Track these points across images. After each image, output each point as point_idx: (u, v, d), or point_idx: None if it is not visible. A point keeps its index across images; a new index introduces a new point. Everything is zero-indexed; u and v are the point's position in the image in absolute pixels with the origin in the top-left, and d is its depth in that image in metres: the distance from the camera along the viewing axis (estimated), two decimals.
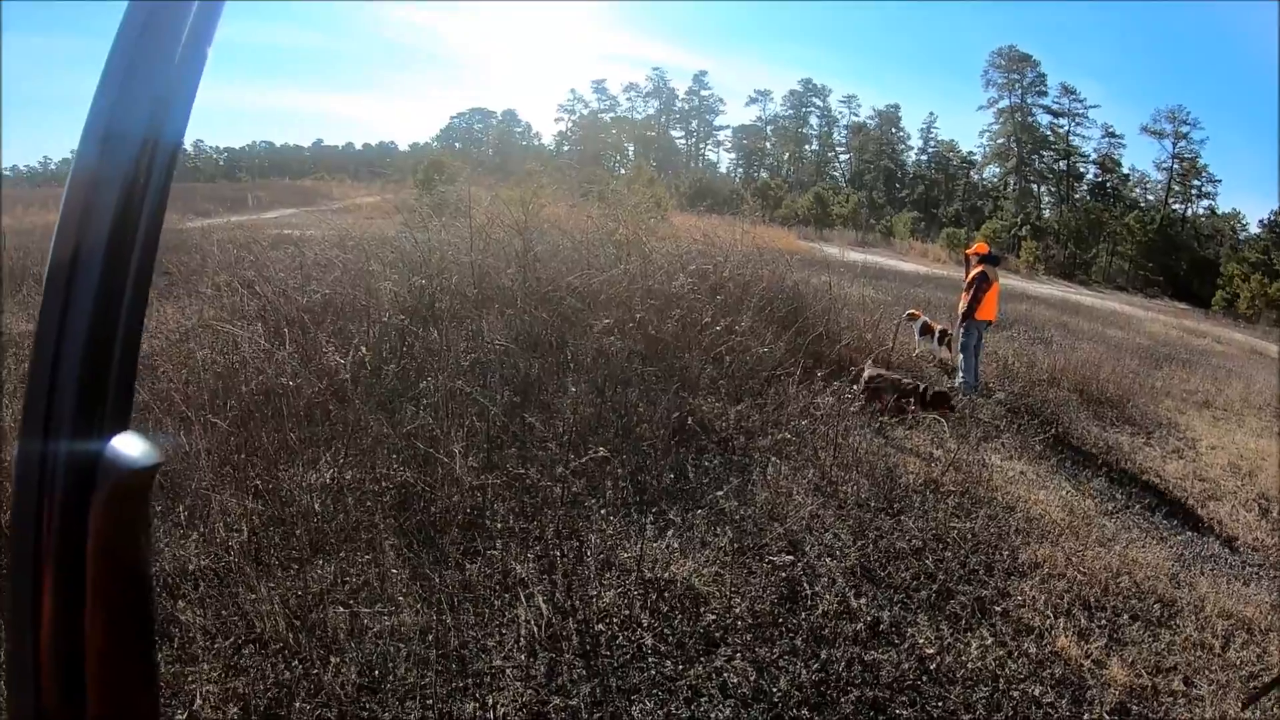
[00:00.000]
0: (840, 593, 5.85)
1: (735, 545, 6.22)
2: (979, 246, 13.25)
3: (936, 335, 14.37)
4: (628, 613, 5.25)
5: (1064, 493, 8.84)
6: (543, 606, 5.04)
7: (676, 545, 6.12)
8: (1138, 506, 8.95)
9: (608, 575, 5.62)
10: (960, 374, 12.71)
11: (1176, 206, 64.12)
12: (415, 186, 32.30)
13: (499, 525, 5.98)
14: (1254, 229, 60.22)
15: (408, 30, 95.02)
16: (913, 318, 14.77)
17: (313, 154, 71.73)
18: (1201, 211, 63.89)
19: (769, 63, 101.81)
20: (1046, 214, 65.32)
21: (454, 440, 6.54)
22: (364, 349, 7.02)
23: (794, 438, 8.16)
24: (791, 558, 6.18)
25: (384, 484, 6.24)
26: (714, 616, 5.35)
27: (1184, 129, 62.38)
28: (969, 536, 7.07)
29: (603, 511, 6.43)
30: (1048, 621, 5.96)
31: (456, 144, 72.79)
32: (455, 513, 6.02)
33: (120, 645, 0.97)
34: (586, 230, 12.29)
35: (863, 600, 5.82)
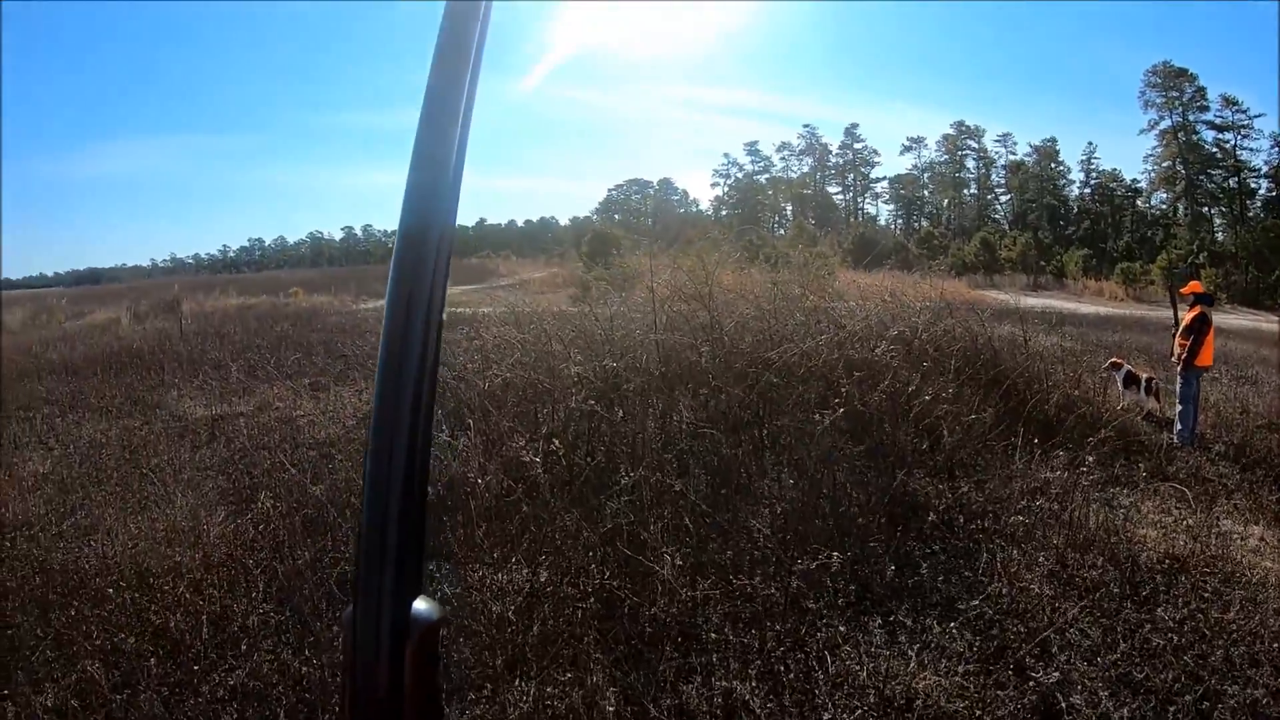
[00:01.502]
0: (1099, 703, 5.13)
1: (975, 650, 5.53)
2: (1194, 285, 12.34)
3: (1144, 384, 13.31)
4: None
5: None
6: None
7: (912, 654, 5.44)
8: None
9: (840, 693, 4.95)
10: (1177, 426, 11.68)
11: None
12: (581, 260, 32.38)
13: (714, 636, 5.35)
14: None
15: (561, 106, 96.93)
16: (1115, 366, 13.73)
17: (476, 233, 73.21)
18: None
19: (920, 108, 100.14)
20: (1220, 237, 62.23)
21: (658, 539, 5.98)
22: (555, 439, 6.47)
23: (1024, 519, 7.35)
24: (1042, 668, 5.43)
25: (584, 588, 5.68)
26: None
27: None
28: (1224, 622, 6.22)
29: (825, 614, 5.75)
30: None
31: (616, 215, 73.52)
32: (666, 622, 5.41)
33: None
34: (769, 297, 11.71)
35: (1124, 711, 5.09)
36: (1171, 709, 5.20)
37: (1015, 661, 5.46)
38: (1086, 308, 36.59)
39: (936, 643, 5.59)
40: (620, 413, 8.05)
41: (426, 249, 1.26)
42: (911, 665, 5.26)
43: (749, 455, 7.67)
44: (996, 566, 6.60)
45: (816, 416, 7.74)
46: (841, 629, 5.63)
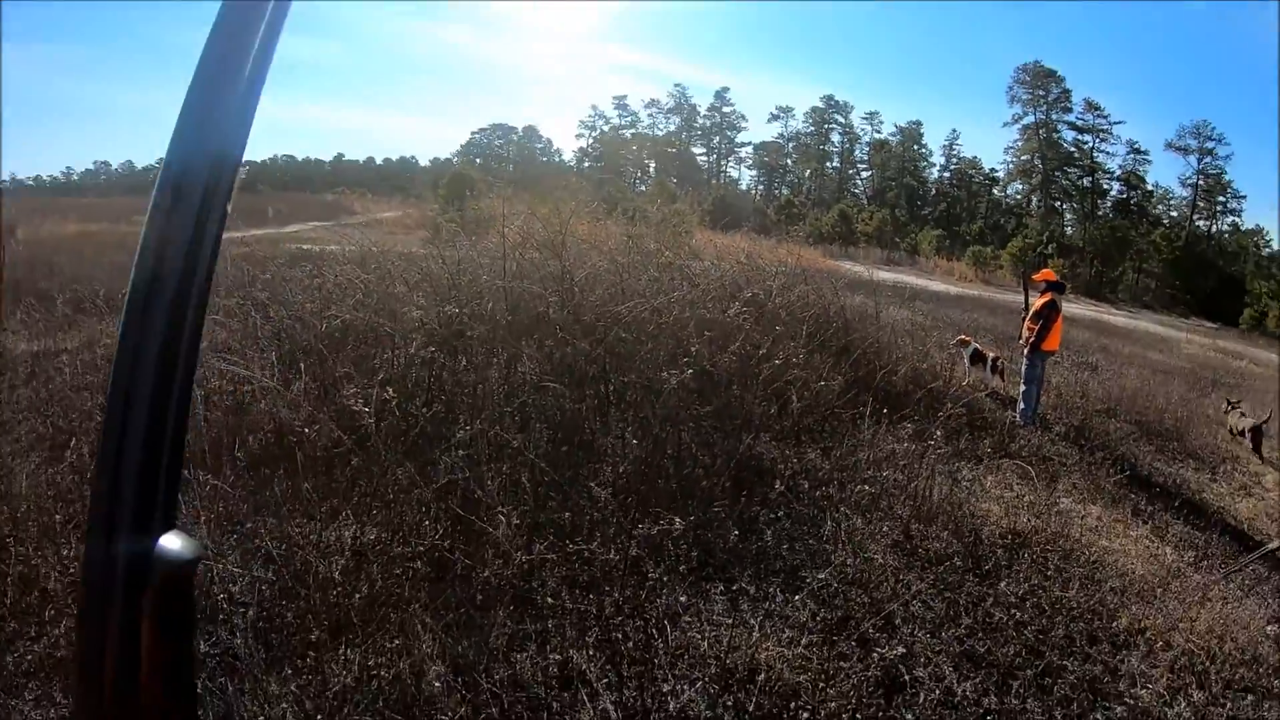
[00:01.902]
0: (942, 676, 5.12)
1: (819, 620, 5.42)
2: (1046, 273, 12.57)
3: (990, 363, 13.57)
4: (710, 715, 4.40)
5: (1146, 542, 8.31)
6: (611, 710, 4.20)
7: (755, 623, 5.27)
8: (1219, 555, 8.44)
9: (681, 664, 4.77)
10: (1020, 406, 11.94)
11: (1200, 223, 63.72)
12: (438, 202, 31.66)
13: (550, 602, 5.07)
14: (1278, 245, 60.04)
15: (430, 44, 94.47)
16: (963, 344, 13.97)
17: (333, 168, 70.88)
18: (1225, 228, 63.51)
19: (791, 80, 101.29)
20: (1070, 231, 64.88)
21: (494, 498, 5.69)
22: (389, 389, 6.06)
23: (871, 490, 7.31)
24: (886, 640, 5.35)
25: (415, 547, 5.33)
26: (807, 714, 4.53)
27: (1209, 145, 61.94)
28: (1065, 600, 6.38)
29: (666, 580, 5.55)
30: (1162, 701, 5.46)
31: (477, 159, 72.36)
32: (500, 586, 5.12)
33: (169, 711, 1.12)
34: (624, 250, 11.46)
35: (967, 685, 5.10)
36: (1013, 683, 5.22)
37: (859, 633, 5.37)
38: (937, 285, 37.53)
39: (779, 612, 5.47)
40: (464, 361, 7.73)
41: (197, 175, 1.17)
42: (754, 635, 5.10)
43: (593, 411, 7.41)
44: (841, 535, 6.52)
45: (665, 374, 7.53)
46: (683, 597, 5.45)
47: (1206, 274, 59.68)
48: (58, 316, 11.27)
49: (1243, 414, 13.77)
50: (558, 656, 4.64)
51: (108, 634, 1.06)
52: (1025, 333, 12.17)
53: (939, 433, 8.15)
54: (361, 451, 6.01)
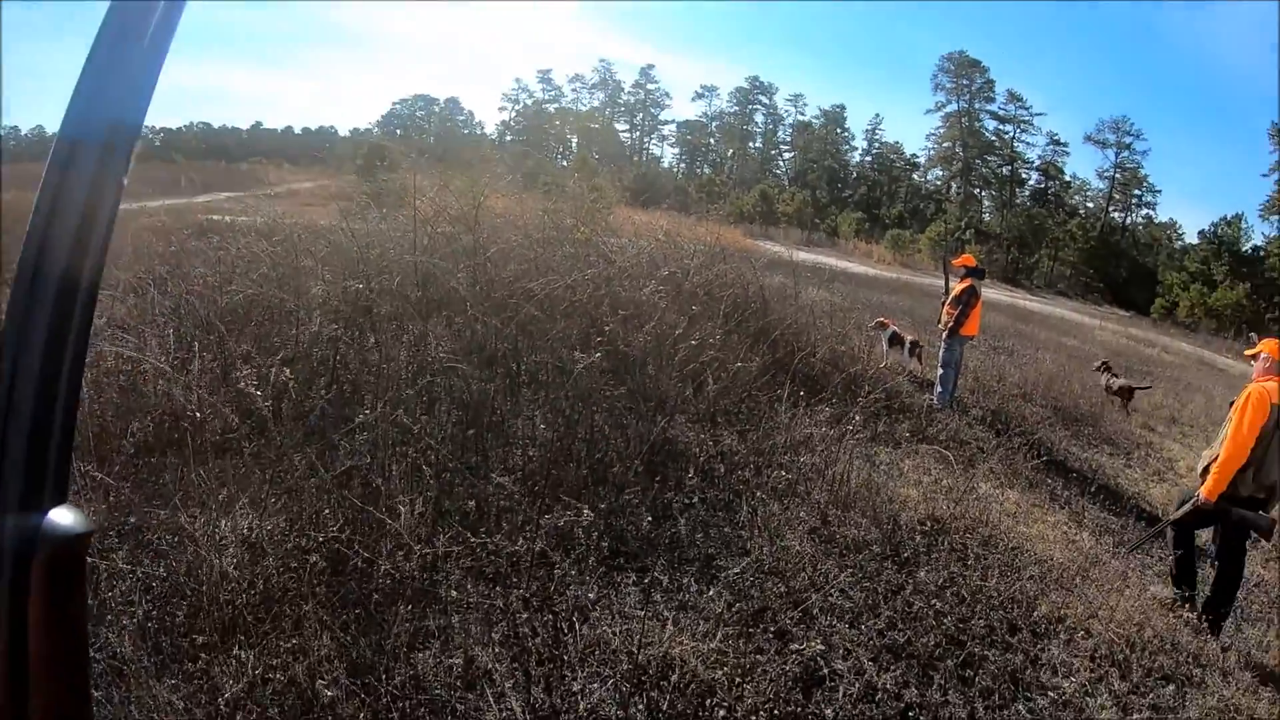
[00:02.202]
0: (862, 670, 5.01)
1: (735, 611, 5.25)
2: (966, 259, 12.60)
3: (907, 346, 13.62)
4: (622, 714, 4.23)
5: (1064, 527, 8.38)
6: (518, 712, 4.01)
7: (668, 616, 5.12)
8: (1132, 539, 8.56)
9: (592, 660, 4.57)
10: (938, 389, 11.99)
11: (1116, 215, 65.33)
12: (355, 173, 31.08)
13: (454, 595, 4.81)
14: (1190, 239, 62.11)
15: (354, 13, 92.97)
16: (881, 326, 14.01)
17: (251, 137, 69.36)
18: (1140, 220, 65.20)
19: (717, 59, 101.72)
20: (987, 218, 65.98)
21: (395, 487, 5.44)
22: (286, 370, 5.75)
23: (788, 475, 7.21)
24: (804, 632, 5.25)
25: (313, 540, 4.99)
26: (724, 712, 4.39)
27: (1127, 139, 63.61)
28: (985, 588, 6.33)
29: (576, 571, 5.36)
30: (1083, 691, 5.44)
31: (398, 131, 71.38)
32: (401, 580, 4.85)
33: (59, 693, 1.07)
34: (540, 226, 11.22)
35: (888, 678, 5.00)
36: (934, 675, 5.15)
37: (776, 625, 5.24)
38: (856, 267, 37.79)
39: (694, 603, 5.31)
40: (373, 340, 7.45)
41: (93, 141, 1.11)
42: (668, 629, 4.93)
43: (503, 392, 7.18)
44: (757, 522, 6.39)
45: (578, 354, 7.33)
46: (593, 589, 5.26)
47: (1120, 264, 61.50)
48: None
49: (1114, 375, 14.06)
50: (462, 655, 4.42)
51: None
52: (944, 317, 12.22)
53: (858, 417, 8.07)
54: (259, 437, 5.71)
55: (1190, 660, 6.22)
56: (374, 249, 8.76)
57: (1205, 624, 6.87)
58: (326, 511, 5.21)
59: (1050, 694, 5.31)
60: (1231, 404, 7.16)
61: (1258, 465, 6.82)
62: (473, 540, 5.08)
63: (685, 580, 5.55)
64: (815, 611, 5.45)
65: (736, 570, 5.70)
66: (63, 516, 1.06)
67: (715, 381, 8.47)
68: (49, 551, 1.04)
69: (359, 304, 7.68)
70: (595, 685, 4.33)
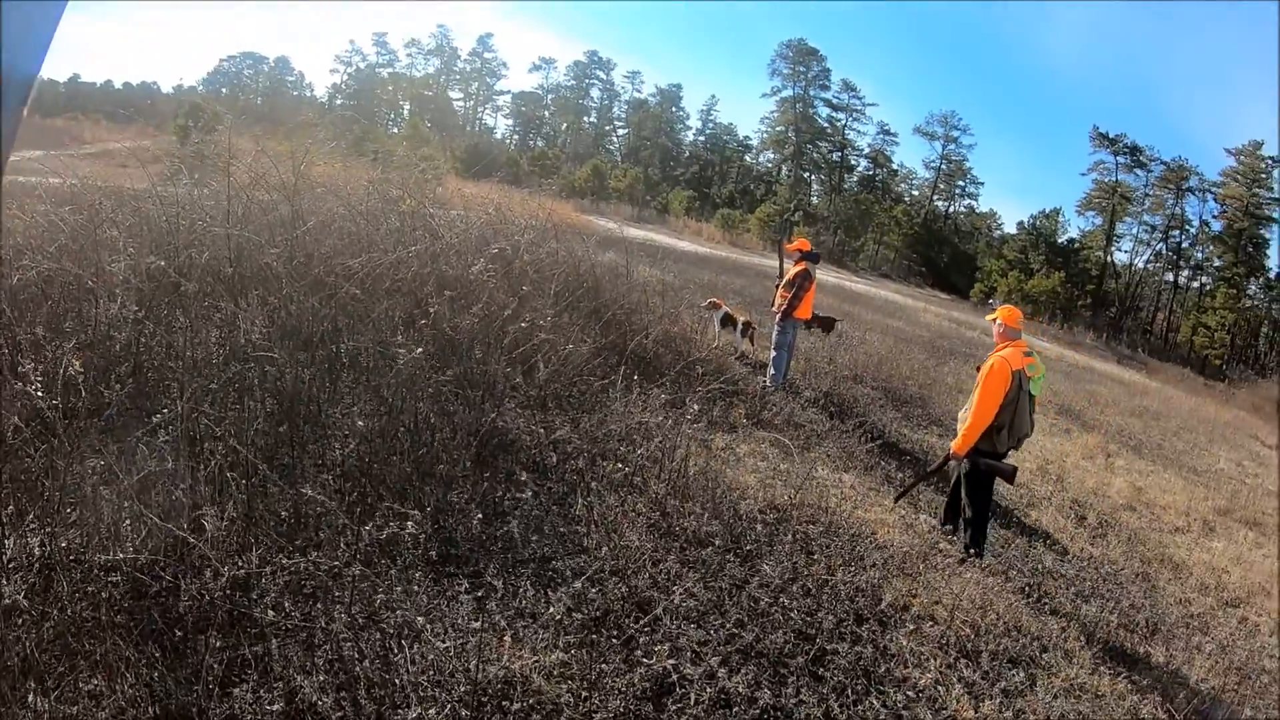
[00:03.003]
0: (713, 674, 4.86)
1: (576, 618, 5.02)
2: (800, 243, 12.73)
3: (740, 327, 13.67)
4: None
5: (901, 510, 8.67)
6: None
7: (504, 622, 4.84)
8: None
9: (426, 683, 4.20)
10: (770, 371, 12.07)
11: (940, 203, 68.07)
12: (174, 133, 29.66)
13: (271, 617, 4.34)
14: (1008, 229, 65.70)
15: None
16: (714, 307, 14.03)
17: (68, 90, 65.58)
18: (962, 210, 68.17)
19: (556, 31, 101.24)
20: (816, 201, 67.68)
21: (201, 495, 4.98)
22: (76, 363, 5.14)
23: (625, 466, 7.04)
24: (650, 636, 5.06)
25: (112, 558, 4.46)
26: None
27: (955, 133, 66.54)
28: (828, 579, 6.35)
29: (403, 579, 4.98)
30: (935, 681, 5.57)
31: (223, 90, 68.70)
32: (211, 601, 4.34)
33: None
34: (364, 197, 10.72)
35: (739, 681, 4.85)
36: (786, 674, 5.08)
37: (621, 631, 5.04)
38: (686, 245, 38.18)
39: (531, 609, 5.03)
40: (181, 319, 6.88)
41: None
42: (506, 640, 4.67)
43: (321, 378, 6.74)
44: (594, 516, 6.16)
45: (400, 338, 6.96)
46: (423, 594, 4.91)
47: (942, 250, 64.60)
48: None
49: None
50: (283, 687, 3.99)
51: None
52: (778, 300, 12.28)
53: (695, 405, 7.97)
54: (49, 438, 5.11)
55: (1033, 642, 6.50)
56: (184, 219, 8.13)
57: (971, 556, 7.89)
58: (126, 523, 4.69)
59: (904, 687, 5.35)
60: (978, 368, 8.25)
61: (1009, 425, 7.82)
62: (288, 558, 4.69)
63: (521, 585, 5.27)
64: (660, 613, 5.26)
65: (574, 571, 5.48)
66: None
67: (546, 365, 8.21)
68: None
69: (165, 281, 7.08)
70: (432, 711, 4.00)
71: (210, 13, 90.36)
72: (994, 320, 8.33)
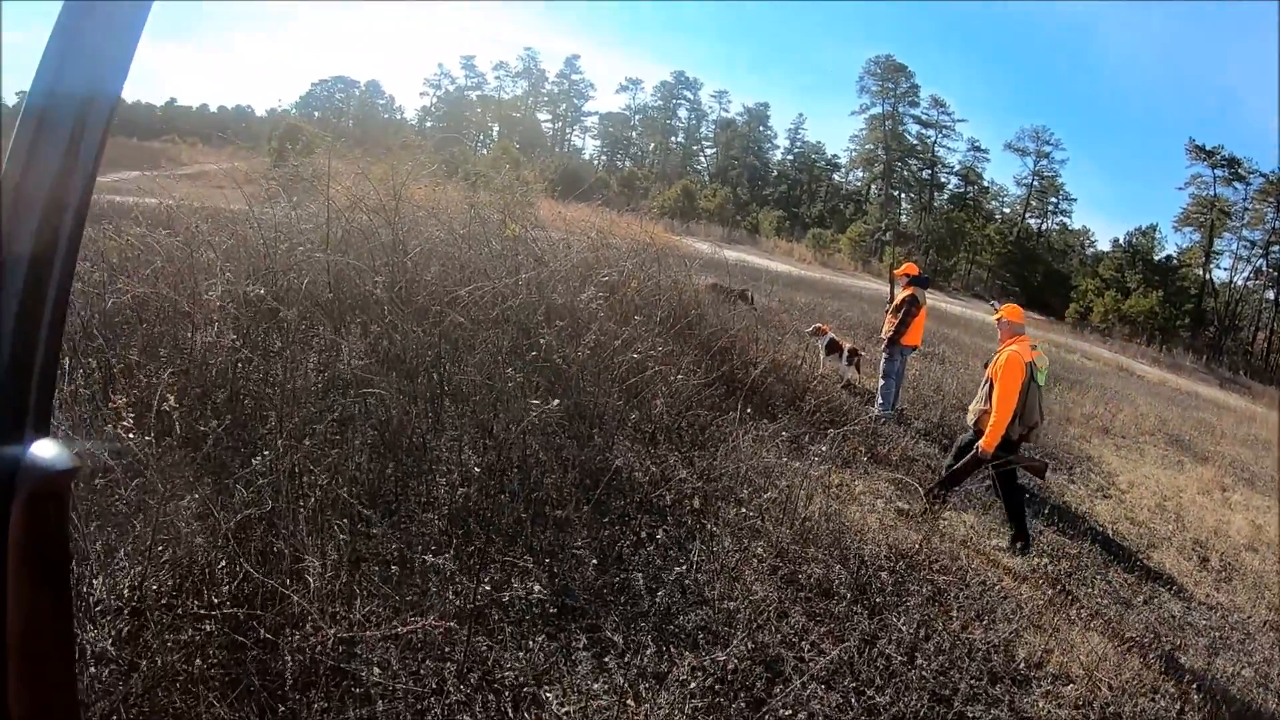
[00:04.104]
0: None
1: (700, 675, 4.59)
2: (908, 267, 12.41)
3: (845, 354, 13.15)
4: None
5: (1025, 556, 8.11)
6: None
7: (625, 683, 4.41)
8: (1090, 565, 8.43)
9: None
10: (879, 401, 11.64)
11: (1032, 221, 66.67)
12: (269, 155, 29.96)
13: (377, 675, 3.96)
14: (1102, 246, 63.85)
15: None
16: (819, 333, 13.52)
17: (165, 114, 67.38)
18: (1054, 227, 66.67)
19: (642, 52, 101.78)
20: (906, 220, 66.77)
21: (302, 540, 4.59)
22: (169, 397, 4.80)
23: (749, 511, 6.57)
24: (779, 696, 4.59)
25: (210, 601, 4.14)
26: None
27: (1046, 149, 65.03)
28: (958, 632, 5.94)
29: (518, 634, 4.59)
30: None
31: (316, 113, 69.98)
32: (314, 657, 3.97)
33: (39, 638, 1.00)
34: (463, 217, 10.43)
35: None
36: None
37: (749, 690, 4.62)
38: (779, 266, 37.84)
39: (653, 668, 4.61)
40: (278, 343, 6.60)
41: (66, 108, 1.07)
42: (629, 703, 4.26)
43: (425, 412, 6.37)
44: (715, 564, 5.77)
45: (510, 371, 6.60)
46: (537, 649, 4.50)
47: (1035, 268, 62.94)
48: None
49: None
50: None
51: None
52: (886, 326, 11.87)
53: (823, 448, 7.58)
54: (141, 472, 4.75)
55: (1174, 704, 6.08)
56: (282, 242, 7.85)
57: (1017, 550, 8.13)
58: (222, 564, 4.34)
59: None
60: (986, 364, 8.73)
61: (1020, 414, 8.21)
62: (400, 598, 4.30)
63: (642, 640, 4.85)
64: (788, 671, 4.85)
65: (696, 626, 5.08)
66: (45, 450, 1.01)
67: (659, 398, 7.82)
68: (30, 487, 0.97)
69: (263, 307, 6.78)
70: None
71: (304, 39, 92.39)
72: (999, 319, 8.74)
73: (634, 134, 75.47)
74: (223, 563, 4.34)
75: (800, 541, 6.44)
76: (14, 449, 0.99)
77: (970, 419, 8.54)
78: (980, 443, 8.22)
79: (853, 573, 6.24)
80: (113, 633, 3.81)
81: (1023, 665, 5.80)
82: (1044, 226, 67.59)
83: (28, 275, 1.02)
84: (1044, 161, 65.75)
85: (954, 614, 6.17)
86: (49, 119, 1.06)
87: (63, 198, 1.06)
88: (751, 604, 5.41)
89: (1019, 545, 8.18)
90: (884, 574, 6.42)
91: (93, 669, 3.59)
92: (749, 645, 4.99)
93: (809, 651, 5.10)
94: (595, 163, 73.97)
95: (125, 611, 3.98)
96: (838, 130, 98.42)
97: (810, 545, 6.44)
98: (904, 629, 5.64)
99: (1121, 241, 62.67)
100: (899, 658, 5.34)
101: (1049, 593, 7.30)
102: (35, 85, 1.06)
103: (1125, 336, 50.48)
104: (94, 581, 4.06)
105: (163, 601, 4.09)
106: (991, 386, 8.24)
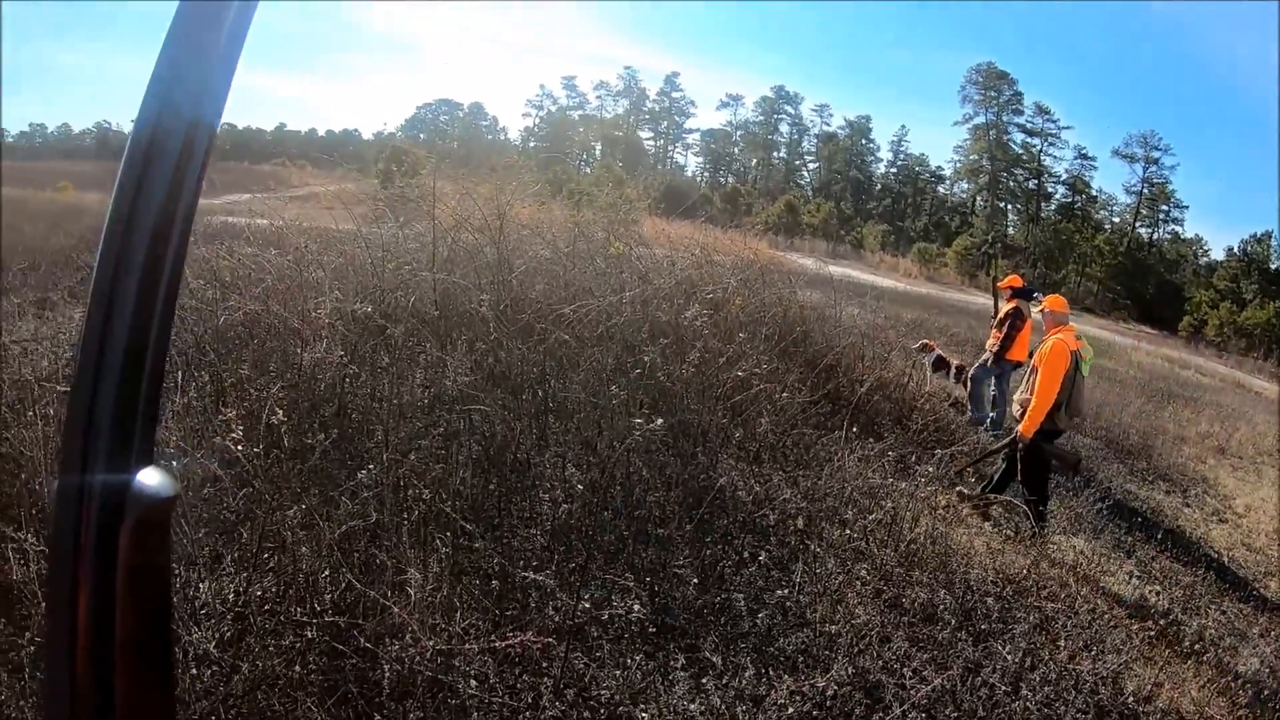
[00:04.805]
0: None
1: (797, 696, 4.47)
2: (1012, 280, 12.17)
3: (953, 371, 12.88)
4: None
5: (1134, 581, 7.88)
6: None
7: (722, 705, 4.34)
8: (1204, 593, 8.02)
9: None
10: (971, 413, 11.74)
11: (1142, 230, 64.67)
12: (376, 177, 30.65)
13: (474, 687, 3.98)
14: (1216, 255, 61.55)
15: (380, 16, 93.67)
16: (926, 349, 13.26)
17: (275, 138, 69.59)
18: (1166, 236, 64.57)
19: (742, 68, 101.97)
20: (1012, 232, 65.44)
21: (405, 553, 4.63)
22: (280, 412, 4.91)
23: (854, 534, 6.43)
24: None
25: (312, 609, 4.23)
26: None
27: (1155, 154, 63.03)
28: (1065, 662, 5.67)
29: (616, 651, 4.57)
30: None
31: (421, 135, 71.41)
32: (412, 667, 4.00)
33: (144, 649, 1.07)
34: (567, 235, 10.51)
35: None
36: None
37: (846, 715, 4.53)
38: (884, 281, 37.53)
39: (751, 691, 4.52)
40: (386, 359, 6.74)
41: (172, 138, 1.12)
42: None
43: (529, 429, 6.40)
44: (817, 586, 5.65)
45: (614, 388, 6.59)
46: (637, 674, 4.45)
47: (1147, 280, 60.76)
48: None
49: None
50: None
51: (80, 569, 1.01)
52: (991, 340, 11.71)
53: (931, 469, 7.45)
54: (250, 482, 4.87)
55: None
56: (390, 261, 7.99)
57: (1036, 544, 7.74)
58: (327, 571, 4.41)
59: None
60: (1030, 355, 8.98)
61: (1067, 402, 8.20)
62: (494, 626, 4.30)
63: (741, 662, 4.77)
64: (888, 698, 4.71)
65: (796, 649, 4.98)
66: (150, 478, 1.05)
67: (763, 416, 7.73)
68: (137, 513, 1.03)
69: (370, 325, 6.90)
70: None
71: (408, 64, 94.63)
72: (1042, 310, 8.95)
73: (736, 150, 75.46)
74: (326, 572, 4.42)
75: (905, 564, 6.29)
76: (123, 476, 1.04)
77: (1016, 411, 8.57)
78: (1019, 427, 8.29)
79: (958, 598, 6.07)
80: (216, 635, 3.92)
81: (1131, 699, 5.54)
82: (1155, 236, 65.51)
83: (136, 306, 1.07)
84: (1153, 168, 63.75)
85: (1061, 643, 5.95)
86: (156, 148, 1.11)
87: (170, 226, 1.11)
88: (853, 628, 5.30)
89: (1038, 528, 8.00)
90: (990, 600, 6.22)
91: (195, 670, 3.69)
92: (849, 670, 4.86)
93: (910, 678, 4.96)
94: (698, 179, 74.11)
95: (229, 615, 4.10)
96: (941, 141, 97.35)
97: (915, 568, 6.29)
98: (1009, 657, 5.44)
99: (1236, 250, 60.39)
100: (1003, 687, 5.16)
101: (1160, 623, 6.98)
102: (142, 115, 1.11)
103: (1241, 350, 48.52)
104: (200, 585, 4.19)
105: (266, 607, 4.20)
106: (1035, 375, 8.26)
